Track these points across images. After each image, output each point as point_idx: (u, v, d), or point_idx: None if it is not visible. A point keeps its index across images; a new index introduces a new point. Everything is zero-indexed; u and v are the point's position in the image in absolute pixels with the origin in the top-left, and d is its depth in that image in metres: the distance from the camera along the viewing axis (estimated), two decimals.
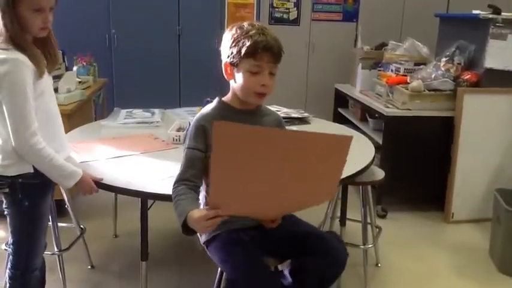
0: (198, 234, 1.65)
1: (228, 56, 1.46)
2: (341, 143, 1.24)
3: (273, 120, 1.61)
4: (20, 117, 1.55)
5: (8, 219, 1.72)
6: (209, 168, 1.18)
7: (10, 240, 1.76)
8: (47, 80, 1.68)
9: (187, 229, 1.35)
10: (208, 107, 1.56)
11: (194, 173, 1.47)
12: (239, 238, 1.52)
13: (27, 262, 1.75)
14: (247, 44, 1.39)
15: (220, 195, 1.23)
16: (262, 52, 1.40)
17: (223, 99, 1.56)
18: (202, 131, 1.49)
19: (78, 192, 1.79)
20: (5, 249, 1.94)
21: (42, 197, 1.74)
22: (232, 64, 1.45)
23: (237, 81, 1.47)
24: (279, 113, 2.65)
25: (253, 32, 1.41)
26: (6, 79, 1.52)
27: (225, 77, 1.51)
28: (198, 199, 1.49)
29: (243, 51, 1.40)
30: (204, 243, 1.61)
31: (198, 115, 1.56)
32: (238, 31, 1.44)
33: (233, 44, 1.43)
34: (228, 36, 1.47)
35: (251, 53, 1.40)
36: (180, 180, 1.46)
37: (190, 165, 1.47)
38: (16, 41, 1.55)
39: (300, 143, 1.19)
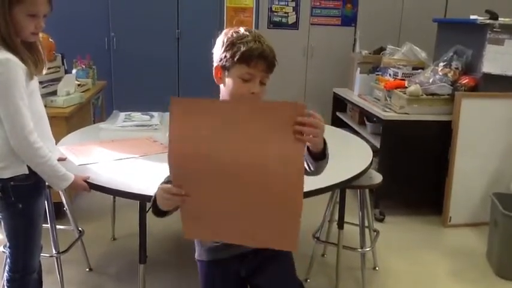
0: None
1: (221, 60, 1.41)
2: (289, 111, 1.11)
3: None
4: (17, 116, 1.56)
5: (2, 223, 1.72)
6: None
7: (7, 243, 1.77)
8: (35, 81, 1.69)
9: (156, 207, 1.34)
10: None
11: None
12: (214, 274, 1.53)
13: (25, 264, 1.75)
14: (242, 49, 1.35)
15: (181, 174, 1.20)
16: (256, 60, 1.36)
17: None
18: None
19: (72, 191, 1.80)
20: (3, 252, 1.94)
21: (36, 198, 1.74)
22: (223, 68, 1.41)
23: (226, 86, 1.42)
24: None
25: (249, 38, 1.37)
26: (0, 79, 1.53)
27: (215, 80, 1.47)
28: None
29: (237, 56, 1.36)
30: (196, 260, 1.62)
31: None
32: (234, 35, 1.39)
33: (227, 48, 1.39)
34: (222, 39, 1.42)
35: (245, 59, 1.35)
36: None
37: None
38: (7, 41, 1.55)
39: (249, 110, 1.14)
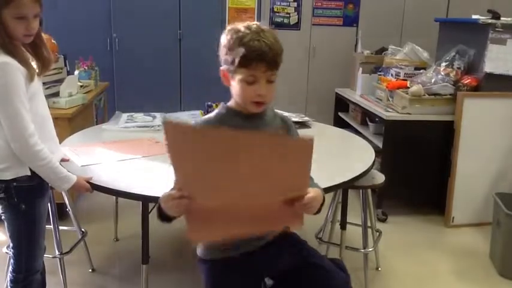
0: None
1: (224, 63, 1.40)
2: (300, 147, 1.13)
3: (279, 124, 1.53)
4: (17, 120, 1.56)
5: (5, 224, 1.72)
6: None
7: (10, 244, 1.77)
8: (37, 83, 1.69)
9: (162, 213, 1.31)
10: (212, 113, 1.51)
11: None
12: (223, 274, 1.51)
13: (28, 265, 1.75)
14: (241, 53, 1.32)
15: (185, 182, 1.19)
16: (256, 62, 1.32)
17: (228, 104, 1.51)
18: None
19: (74, 192, 1.79)
20: (6, 253, 1.94)
21: (39, 200, 1.74)
22: (228, 71, 1.40)
23: (234, 89, 1.41)
24: None
25: (248, 38, 1.33)
26: None
27: (224, 83, 1.45)
28: None
29: (236, 61, 1.34)
30: (198, 261, 1.58)
31: (199, 120, 1.53)
32: (234, 36, 1.36)
33: (228, 52, 1.37)
34: (223, 42, 1.40)
35: (244, 63, 1.33)
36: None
37: None
38: (4, 45, 1.56)
39: (252, 144, 1.12)
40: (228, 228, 1.26)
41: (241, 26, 1.38)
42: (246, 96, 1.38)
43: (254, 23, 1.39)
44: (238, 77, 1.37)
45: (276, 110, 1.57)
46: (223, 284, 1.51)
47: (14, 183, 1.64)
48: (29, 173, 1.65)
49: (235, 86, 1.40)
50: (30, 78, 1.61)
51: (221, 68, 1.42)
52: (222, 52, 1.40)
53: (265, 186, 1.17)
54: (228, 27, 1.40)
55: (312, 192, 1.27)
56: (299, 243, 1.62)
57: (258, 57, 1.32)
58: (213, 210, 1.21)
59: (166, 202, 1.24)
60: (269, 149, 1.12)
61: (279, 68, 1.38)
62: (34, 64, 1.67)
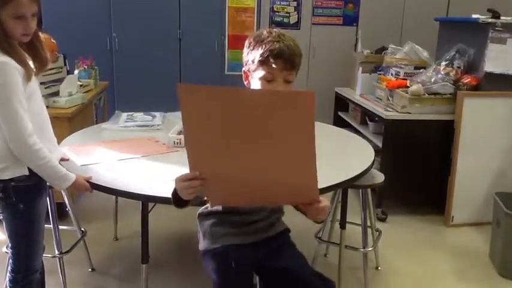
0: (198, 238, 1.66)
1: (246, 64, 1.48)
2: (302, 100, 1.15)
3: None
4: (15, 119, 1.56)
5: (3, 223, 1.72)
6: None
7: (9, 244, 1.77)
8: (35, 82, 1.69)
9: (177, 199, 1.34)
10: None
11: None
12: (229, 258, 1.52)
13: (27, 265, 1.75)
14: (260, 52, 1.40)
15: (197, 157, 1.23)
16: (274, 60, 1.40)
17: None
18: None
19: (74, 191, 1.79)
20: (6, 252, 1.94)
21: (37, 199, 1.74)
22: (249, 72, 1.47)
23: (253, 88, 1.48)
24: None
25: (269, 39, 1.42)
26: None
27: (245, 84, 1.52)
28: None
29: (256, 59, 1.41)
30: (201, 254, 1.60)
31: None
32: (256, 39, 1.45)
33: (249, 52, 1.45)
34: (246, 44, 1.48)
35: (263, 61, 1.41)
36: None
37: None
38: (2, 45, 1.55)
39: (259, 100, 1.17)
40: (244, 197, 1.33)
41: (264, 30, 1.47)
42: None
43: (276, 29, 1.48)
44: (257, 75, 1.43)
45: None
46: (224, 268, 1.52)
47: (12, 183, 1.64)
48: (27, 173, 1.65)
49: (254, 85, 1.46)
50: (27, 77, 1.60)
51: (243, 68, 1.49)
52: (245, 53, 1.48)
53: (271, 151, 1.20)
54: (252, 33, 1.50)
55: (326, 201, 1.33)
56: (296, 249, 1.63)
57: (276, 56, 1.40)
58: (227, 185, 1.27)
59: (179, 182, 1.27)
60: (272, 104, 1.15)
61: (296, 69, 1.46)
62: (31, 63, 1.67)
